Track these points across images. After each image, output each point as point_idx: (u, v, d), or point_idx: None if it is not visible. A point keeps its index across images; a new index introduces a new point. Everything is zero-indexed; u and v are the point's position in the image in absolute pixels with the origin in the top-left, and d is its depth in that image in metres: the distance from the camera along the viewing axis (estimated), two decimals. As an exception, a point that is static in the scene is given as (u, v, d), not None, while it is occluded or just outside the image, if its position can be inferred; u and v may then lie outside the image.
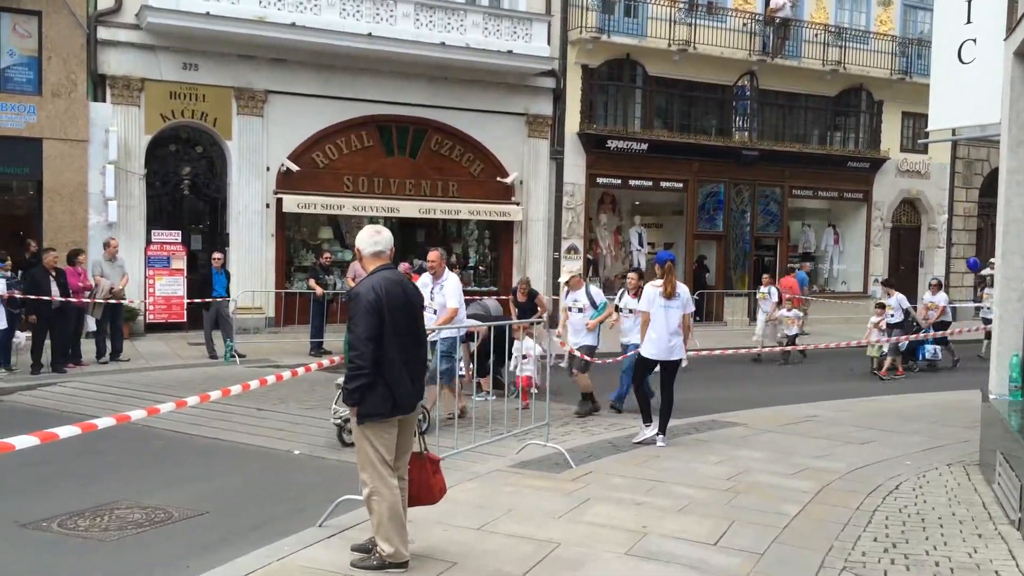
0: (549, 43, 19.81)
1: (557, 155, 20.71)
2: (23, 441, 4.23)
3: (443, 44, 18.30)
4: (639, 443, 8.45)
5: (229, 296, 14.65)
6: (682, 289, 8.61)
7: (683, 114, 22.64)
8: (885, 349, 15.04)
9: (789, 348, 15.69)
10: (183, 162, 17.51)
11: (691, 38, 21.32)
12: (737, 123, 23.07)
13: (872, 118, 25.18)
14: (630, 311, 10.45)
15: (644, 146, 21.40)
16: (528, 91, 20.17)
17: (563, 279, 11.70)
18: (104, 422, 5.00)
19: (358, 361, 4.74)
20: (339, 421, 8.28)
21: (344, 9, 17.53)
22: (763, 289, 17.49)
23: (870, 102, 25.07)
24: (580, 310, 10.72)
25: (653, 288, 8.54)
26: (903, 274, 24.89)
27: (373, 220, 17.72)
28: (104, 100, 16.19)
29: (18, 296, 12.11)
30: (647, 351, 8.51)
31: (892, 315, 15.29)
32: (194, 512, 6.40)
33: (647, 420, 8.62)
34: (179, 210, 17.76)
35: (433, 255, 9.65)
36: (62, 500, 6.57)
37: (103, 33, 16.09)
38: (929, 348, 15.79)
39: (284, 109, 17.70)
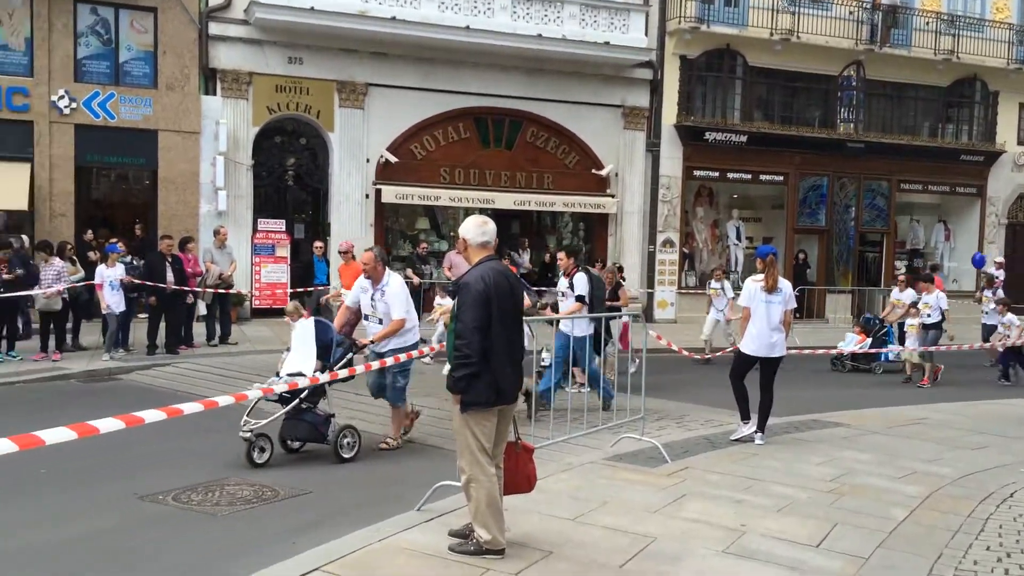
0: (647, 34, 19.60)
1: (653, 147, 20.49)
2: (151, 415, 4.53)
3: (540, 36, 18.33)
4: (736, 440, 8.30)
5: (329, 284, 15.05)
6: (784, 284, 8.40)
7: (785, 105, 22.09)
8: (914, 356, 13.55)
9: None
10: (288, 153, 18.05)
11: (794, 27, 20.77)
12: (842, 114, 22.34)
13: (987, 109, 24.06)
14: (561, 294, 10.30)
15: (743, 138, 20.98)
16: (625, 83, 20.01)
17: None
18: (224, 400, 5.25)
19: (465, 350, 4.80)
20: (249, 435, 7.29)
21: (443, 2, 17.74)
22: (714, 284, 15.43)
23: (984, 93, 23.95)
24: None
25: (753, 283, 8.36)
26: (1018, 274, 23.68)
27: (469, 211, 17.91)
28: (214, 93, 16.83)
29: (136, 281, 12.73)
30: (747, 347, 8.35)
31: (929, 315, 13.66)
32: (298, 491, 6.62)
33: (745, 417, 8.47)
34: (283, 200, 18.31)
35: (367, 256, 8.11)
36: (177, 475, 6.88)
37: (214, 28, 16.71)
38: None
39: (384, 101, 18.04)
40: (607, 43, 18.97)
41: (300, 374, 7.49)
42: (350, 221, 17.92)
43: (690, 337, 15.47)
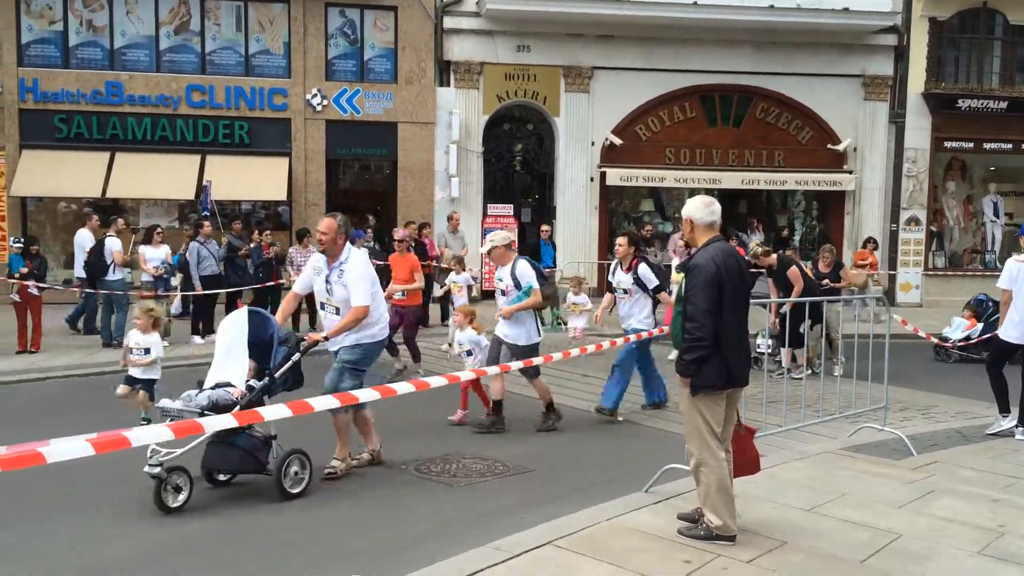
0: (891, -3, 18.24)
1: (898, 118, 19.07)
2: (403, 387, 5.09)
3: (771, 7, 17.56)
4: (993, 434, 7.63)
5: (555, 267, 15.34)
6: (1052, 264, 7.58)
7: (1052, 66, 19.76)
8: None
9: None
10: (515, 139, 18.57)
11: (1067, -23, 18.51)
12: None
13: None
14: (624, 291, 8.60)
15: (1003, 104, 19.05)
16: (865, 50, 18.75)
17: (484, 248, 8.48)
18: (466, 375, 5.56)
19: (697, 333, 4.74)
20: (158, 471, 5.56)
21: (670, -21, 17.46)
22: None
23: None
24: (503, 292, 8.15)
25: (1016, 263, 7.62)
26: None
27: (694, 192, 17.56)
28: (448, 85, 17.63)
29: (378, 263, 13.64)
30: (1007, 334, 7.63)
31: None
32: (529, 468, 6.84)
33: (1004, 410, 7.75)
34: (511, 184, 18.86)
35: (326, 224, 6.54)
36: (417, 446, 7.34)
37: (448, 22, 17.48)
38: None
39: (609, 84, 18.08)
40: (846, 9, 17.84)
41: (227, 384, 6.02)
42: (575, 204, 18.16)
43: (938, 322, 14.31)
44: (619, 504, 5.54)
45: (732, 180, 18.56)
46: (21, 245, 12.38)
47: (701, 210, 5.01)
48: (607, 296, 9.30)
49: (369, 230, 14.74)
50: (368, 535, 5.35)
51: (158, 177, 16.41)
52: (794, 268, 10.99)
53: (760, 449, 5.35)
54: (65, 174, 16.11)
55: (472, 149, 17.71)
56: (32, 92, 16.38)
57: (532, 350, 7.93)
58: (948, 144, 19.57)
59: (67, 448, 3.32)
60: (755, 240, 16.06)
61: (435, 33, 17.49)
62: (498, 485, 6.45)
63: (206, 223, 13.73)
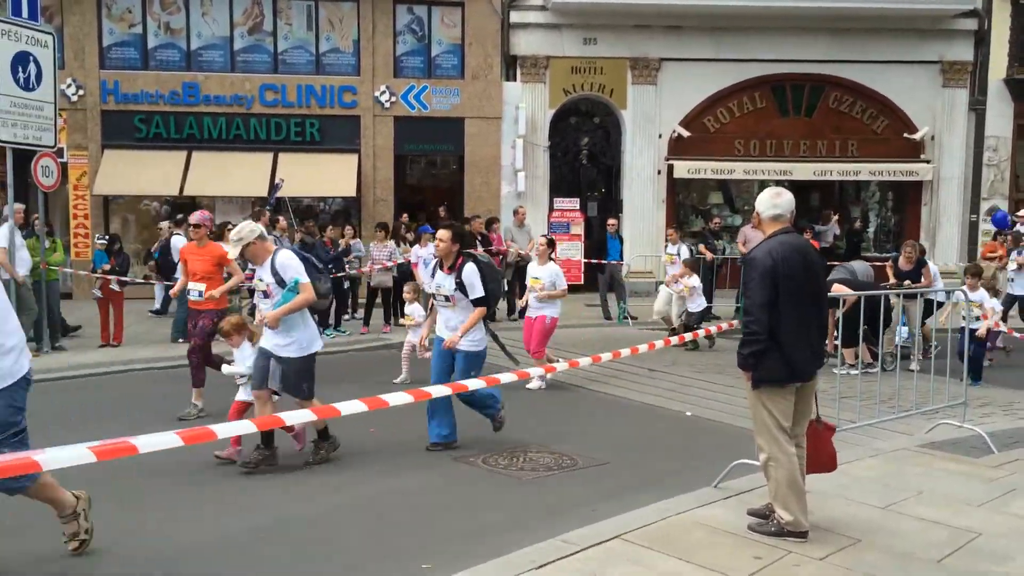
0: (971, -21, 17.65)
1: (978, 105, 18.45)
2: (474, 383, 5.03)
3: (845, -7, 17.17)
4: (1080, 433, 7.35)
5: (623, 260, 15.28)
6: None
7: None
8: None
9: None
10: (581, 133, 18.54)
11: None
12: None
13: None
14: (445, 297, 7.14)
15: (1091, 89, 18.26)
16: (943, 35, 18.19)
17: (232, 253, 6.93)
18: (535, 371, 5.58)
19: (753, 327, 4.72)
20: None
21: (738, -32, 17.19)
22: (671, 249, 13.90)
23: None
24: (265, 295, 6.62)
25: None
26: None
27: (764, 184, 17.28)
28: (514, 79, 17.68)
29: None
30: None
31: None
32: (597, 462, 6.85)
33: (1091, 408, 7.46)
34: (577, 178, 18.84)
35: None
36: (484, 439, 7.40)
37: (514, 17, 17.53)
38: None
39: (676, 76, 17.91)
40: (922, -7, 17.36)
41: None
42: (642, 197, 18.05)
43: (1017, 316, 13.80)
44: (689, 499, 5.52)
45: (804, 171, 18.21)
46: (105, 242, 12.84)
47: (765, 202, 4.94)
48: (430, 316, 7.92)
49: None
50: (437, 527, 5.43)
51: (233, 175, 16.86)
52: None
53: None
54: (144, 173, 16.68)
55: (538, 143, 17.74)
56: (113, 94, 16.98)
57: (308, 363, 6.52)
58: (1032, 131, 18.88)
59: (156, 440, 3.49)
60: (834, 233, 15.57)
61: (501, 28, 17.55)
62: (567, 478, 6.47)
63: (280, 218, 14.03)
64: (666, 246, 14.35)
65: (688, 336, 8.61)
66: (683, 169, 17.97)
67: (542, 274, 9.88)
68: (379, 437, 7.51)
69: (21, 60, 10.91)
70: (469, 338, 7.11)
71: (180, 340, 11.62)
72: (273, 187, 15.80)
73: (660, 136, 18.04)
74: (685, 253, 13.68)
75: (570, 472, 6.62)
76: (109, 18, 17.20)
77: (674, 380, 10.14)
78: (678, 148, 18.10)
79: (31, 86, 11.08)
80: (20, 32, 10.90)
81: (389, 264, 13.56)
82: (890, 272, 11.83)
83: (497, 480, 6.43)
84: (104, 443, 3.31)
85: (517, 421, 8.08)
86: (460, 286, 7.01)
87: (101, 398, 9.37)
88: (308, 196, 17.45)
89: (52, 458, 3.23)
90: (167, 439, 3.53)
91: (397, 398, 4.61)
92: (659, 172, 18.10)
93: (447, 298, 7.10)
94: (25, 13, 11.09)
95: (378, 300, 13.88)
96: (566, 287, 9.98)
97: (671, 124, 18.00)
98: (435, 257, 7.57)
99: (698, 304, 12.52)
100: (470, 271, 7.00)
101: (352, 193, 17.17)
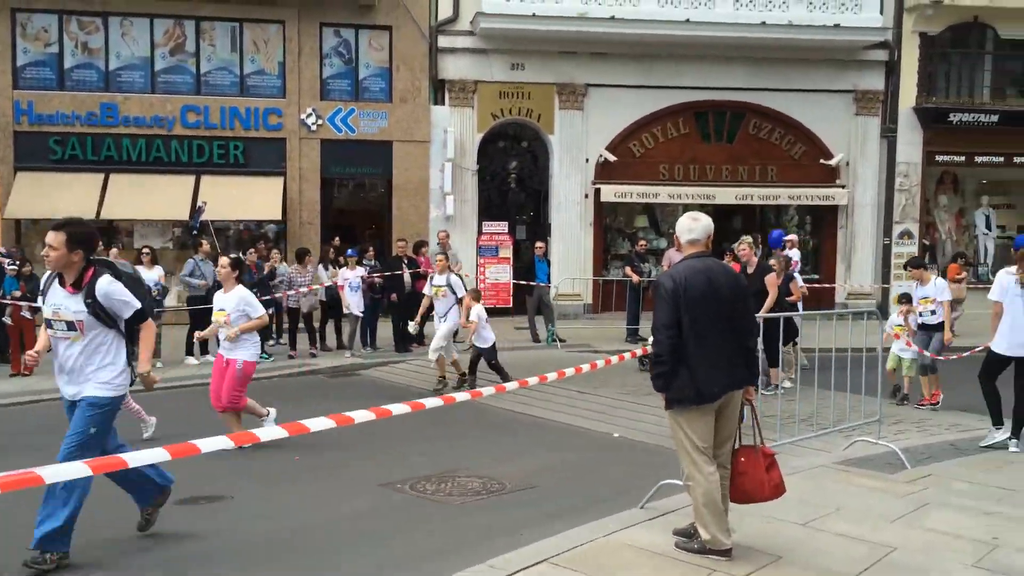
0: (882, 12, 18.40)
1: (889, 133, 19.21)
2: (398, 408, 5.04)
3: (764, 24, 17.76)
4: (987, 447, 7.65)
5: (550, 283, 15.38)
6: (1044, 278, 7.61)
7: (1043, 80, 19.92)
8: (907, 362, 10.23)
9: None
10: (510, 157, 18.66)
11: (1055, -9, 18.70)
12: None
13: None
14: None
15: (994, 118, 19.20)
16: (856, 66, 18.92)
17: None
18: (461, 396, 5.56)
19: (656, 348, 4.84)
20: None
21: (661, -2, 17.61)
22: (437, 280, 11.35)
23: None
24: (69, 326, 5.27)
25: (1007, 276, 7.66)
26: None
27: (688, 208, 17.64)
28: (443, 103, 17.72)
29: (376, 276, 13.67)
30: (999, 345, 7.66)
31: (932, 310, 10.13)
32: (525, 485, 6.84)
33: (997, 422, 7.78)
34: (505, 202, 18.93)
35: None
36: (412, 465, 7.33)
37: (443, 41, 17.60)
38: None
39: (602, 101, 18.20)
40: (837, 25, 18.03)
41: None
42: (570, 221, 18.23)
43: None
44: (614, 521, 5.54)
45: (726, 196, 18.65)
46: (16, 268, 12.37)
47: (683, 227, 5.04)
48: None
49: (371, 248, 14.82)
50: (363, 555, 5.34)
51: (153, 198, 16.44)
52: (772, 275, 10.34)
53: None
54: (60, 196, 16.11)
55: (467, 167, 17.79)
56: (27, 114, 16.45)
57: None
58: (940, 158, 19.70)
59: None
60: (796, 257, 15.02)
61: (429, 52, 17.59)
62: (495, 503, 6.44)
63: (204, 241, 13.74)
64: (431, 277, 11.48)
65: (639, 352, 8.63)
66: (610, 193, 18.23)
67: (227, 304, 7.86)
68: (303, 465, 7.37)
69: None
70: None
71: None
72: (196, 210, 15.49)
73: (587, 160, 18.28)
74: (456, 282, 11.24)
75: (499, 496, 6.59)
76: (24, 37, 16.68)
77: (602, 402, 10.21)
78: (605, 172, 18.36)
79: (-62, 105, 10.65)
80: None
81: (304, 291, 13.41)
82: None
83: (425, 506, 6.37)
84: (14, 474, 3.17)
85: (445, 446, 8.03)
86: (95, 305, 5.15)
87: (12, 430, 8.98)
88: (232, 220, 17.12)
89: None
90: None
91: (319, 423, 4.54)
92: (586, 196, 18.32)
93: (69, 325, 5.16)
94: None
95: (301, 325, 13.72)
96: (265, 315, 7.99)
97: (598, 149, 18.26)
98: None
99: (485, 339, 10.84)
100: (108, 285, 5.20)
101: (278, 216, 16.92)
